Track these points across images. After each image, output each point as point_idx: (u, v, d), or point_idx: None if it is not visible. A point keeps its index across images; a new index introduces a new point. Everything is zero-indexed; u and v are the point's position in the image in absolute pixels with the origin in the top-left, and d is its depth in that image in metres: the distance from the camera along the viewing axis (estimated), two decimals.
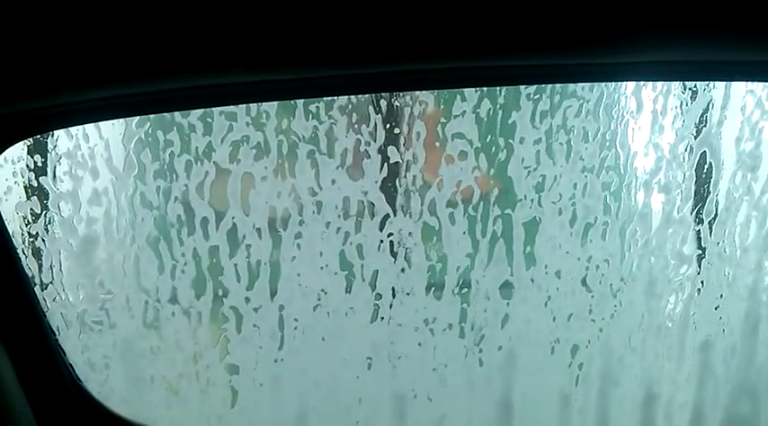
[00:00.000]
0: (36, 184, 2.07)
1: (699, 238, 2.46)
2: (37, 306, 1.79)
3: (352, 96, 2.26)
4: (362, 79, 1.48)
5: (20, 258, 1.75)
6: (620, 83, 2.36)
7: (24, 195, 2.07)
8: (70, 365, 1.86)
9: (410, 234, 2.37)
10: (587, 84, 2.33)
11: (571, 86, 2.34)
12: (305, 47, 1.28)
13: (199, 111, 2.22)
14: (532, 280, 2.46)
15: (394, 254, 2.39)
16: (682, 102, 2.29)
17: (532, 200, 2.41)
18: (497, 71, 1.50)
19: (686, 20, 1.24)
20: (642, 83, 2.28)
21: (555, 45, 1.32)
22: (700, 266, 2.48)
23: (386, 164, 2.34)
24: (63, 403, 1.81)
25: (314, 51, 1.30)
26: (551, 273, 2.47)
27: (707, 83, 2.26)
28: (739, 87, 2.26)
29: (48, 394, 1.79)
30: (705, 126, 2.33)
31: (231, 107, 2.18)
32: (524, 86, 2.28)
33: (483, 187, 2.41)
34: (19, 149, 2.01)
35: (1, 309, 1.71)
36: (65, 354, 1.85)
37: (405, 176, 2.37)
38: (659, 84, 2.27)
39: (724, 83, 2.24)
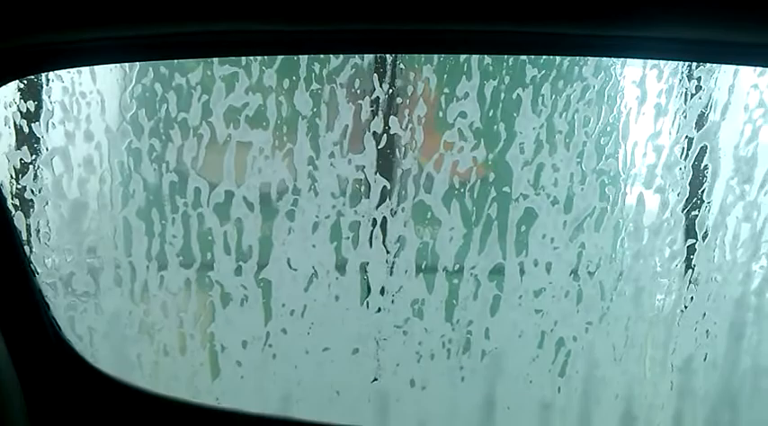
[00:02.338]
0: (27, 131, 2.03)
1: (692, 234, 2.45)
2: (23, 256, 1.76)
3: (355, 68, 2.25)
4: (368, 36, 1.45)
5: (8, 209, 1.72)
6: (621, 73, 2.36)
7: (15, 143, 2.03)
8: (53, 318, 1.83)
9: (404, 210, 2.36)
10: (592, 70, 2.32)
11: (576, 71, 2.33)
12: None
13: (198, 74, 2.20)
14: (522, 266, 2.44)
15: (385, 232, 2.37)
16: (686, 90, 2.28)
17: (527, 189, 2.40)
18: (505, 37, 1.48)
19: None
20: (647, 69, 2.27)
21: (564, 14, 1.30)
22: (691, 263, 2.47)
23: (385, 136, 2.32)
24: (45, 355, 1.78)
25: (323, 4, 1.28)
26: (542, 263, 2.46)
27: (711, 73, 2.26)
28: (743, 79, 2.26)
29: (29, 347, 1.76)
30: (707, 119, 2.32)
31: (232, 69, 2.16)
32: (529, 68, 2.27)
33: (480, 170, 2.41)
34: (11, 94, 1.98)
35: None
36: (48, 308, 1.83)
37: (403, 155, 2.36)
38: (665, 72, 2.26)
39: (730, 71, 2.23)
